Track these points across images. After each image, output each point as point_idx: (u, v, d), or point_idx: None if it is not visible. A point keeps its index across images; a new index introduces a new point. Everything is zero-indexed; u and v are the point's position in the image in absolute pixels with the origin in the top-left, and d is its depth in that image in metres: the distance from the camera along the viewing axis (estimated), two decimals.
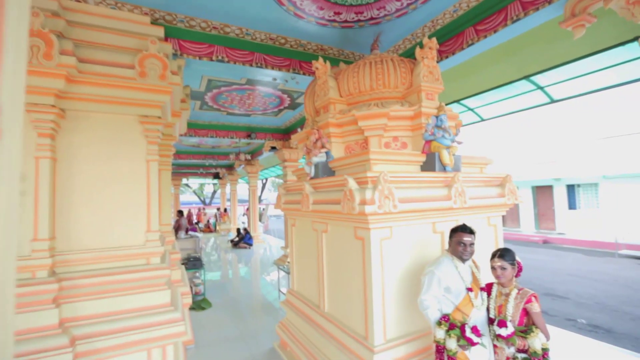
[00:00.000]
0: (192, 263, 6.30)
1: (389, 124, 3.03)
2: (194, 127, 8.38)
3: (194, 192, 36.79)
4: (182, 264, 6.46)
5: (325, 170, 3.15)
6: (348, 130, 3.25)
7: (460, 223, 2.48)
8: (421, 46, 3.31)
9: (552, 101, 5.20)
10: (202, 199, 36.69)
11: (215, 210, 21.90)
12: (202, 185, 35.19)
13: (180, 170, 18.09)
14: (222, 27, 3.91)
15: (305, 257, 3.70)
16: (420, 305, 2.36)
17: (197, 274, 6.50)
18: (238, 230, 13.30)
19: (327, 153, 3.23)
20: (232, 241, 12.98)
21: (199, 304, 5.88)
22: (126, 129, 3.42)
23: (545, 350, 2.03)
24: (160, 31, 3.58)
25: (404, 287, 2.67)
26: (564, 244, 14.23)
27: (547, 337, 2.11)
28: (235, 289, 7.18)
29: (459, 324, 2.22)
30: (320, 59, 3.45)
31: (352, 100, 3.40)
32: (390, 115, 2.98)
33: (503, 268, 2.22)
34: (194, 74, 5.22)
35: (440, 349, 2.26)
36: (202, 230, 18.79)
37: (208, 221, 20.15)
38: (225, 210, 18.98)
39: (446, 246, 2.64)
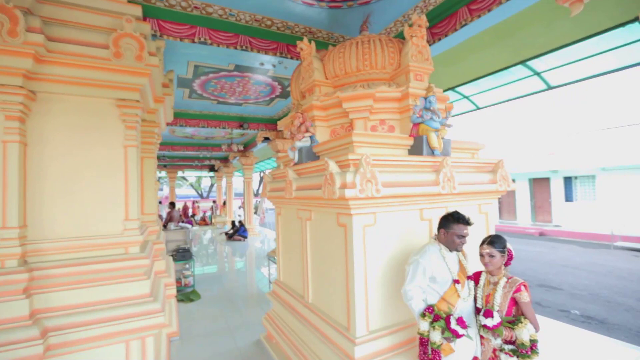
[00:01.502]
0: (181, 254, 6.20)
1: (375, 106, 2.88)
2: (184, 117, 8.19)
3: (191, 185, 36.67)
4: (171, 255, 6.36)
5: (309, 155, 3.01)
6: (333, 113, 3.10)
7: (450, 210, 2.34)
8: (411, 25, 3.14)
9: (549, 87, 5.05)
10: (199, 192, 36.58)
11: (211, 203, 21.79)
12: (199, 178, 35.05)
13: (175, 163, 17.91)
14: (203, 6, 3.72)
15: (290, 247, 3.58)
16: (404, 296, 2.24)
17: (187, 266, 6.40)
18: (233, 222, 13.19)
19: (311, 138, 3.09)
20: (226, 234, 12.89)
21: (188, 295, 5.80)
22: (102, 113, 3.26)
23: (533, 342, 1.92)
24: (137, 10, 3.40)
25: (388, 277, 2.55)
26: (559, 236, 14.21)
27: (537, 328, 2.00)
28: (226, 281, 7.09)
29: (444, 315, 2.11)
30: (305, 39, 3.28)
31: (338, 83, 3.24)
32: (376, 97, 2.83)
33: (491, 255, 2.10)
34: (179, 59, 5.04)
35: (423, 342, 2.15)
36: (197, 223, 18.69)
37: (204, 214, 20.05)
38: (224, 203, 18.85)
39: (434, 234, 2.51)
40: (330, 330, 2.59)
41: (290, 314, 3.32)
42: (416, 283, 2.21)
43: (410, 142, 2.74)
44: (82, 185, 3.14)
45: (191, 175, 30.74)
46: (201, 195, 35.64)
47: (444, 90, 5.78)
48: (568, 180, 15.33)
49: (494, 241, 2.13)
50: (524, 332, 1.90)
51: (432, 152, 2.70)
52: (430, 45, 3.98)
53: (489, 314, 1.98)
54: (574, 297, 6.35)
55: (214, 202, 21.20)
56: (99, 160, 3.22)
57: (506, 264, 2.16)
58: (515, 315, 2.06)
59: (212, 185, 34.34)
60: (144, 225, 4.08)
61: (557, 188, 15.58)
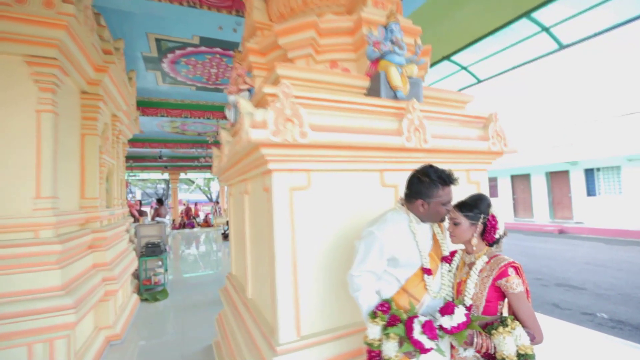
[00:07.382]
0: (150, 250, 5.65)
1: (321, 42, 2.23)
2: (165, 107, 7.73)
3: (200, 188, 36.57)
4: (141, 251, 5.85)
5: None
6: (274, 57, 2.46)
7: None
8: None
9: (561, 47, 4.26)
10: (208, 195, 36.43)
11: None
12: (208, 181, 34.90)
13: (176, 164, 17.65)
14: None
15: (238, 231, 2.96)
16: (350, 285, 1.54)
17: (160, 263, 5.86)
18: (227, 222, 12.70)
19: (249, 91, 2.46)
20: (223, 234, 12.44)
21: (154, 295, 5.23)
22: (7, 72, 2.75)
23: (525, 357, 1.17)
24: None
25: (335, 262, 1.87)
26: (582, 233, 13.01)
27: (535, 336, 1.24)
28: (206, 280, 6.52)
29: (404, 317, 1.38)
30: None
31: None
32: (321, 28, 2.18)
33: (455, 222, 1.41)
34: (135, 29, 4.52)
35: (373, 356, 1.42)
36: (200, 225, 18.49)
37: (206, 216, 19.82)
38: None
39: (399, 198, 1.78)
40: (257, 332, 1.94)
41: (232, 312, 2.68)
42: (368, 266, 1.50)
43: (366, 82, 2.07)
44: None
45: (196, 177, 30.59)
46: (210, 199, 35.48)
47: (438, 61, 5.06)
48: (590, 173, 14.11)
49: (465, 203, 1.42)
50: (507, 342, 1.17)
51: (394, 94, 2.02)
52: None
53: (448, 309, 1.28)
54: (600, 297, 5.44)
55: (217, 203, 20.92)
56: (3, 126, 2.69)
57: (488, 239, 1.43)
58: (508, 313, 1.36)
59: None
60: (83, 210, 3.55)
61: (577, 181, 14.37)
